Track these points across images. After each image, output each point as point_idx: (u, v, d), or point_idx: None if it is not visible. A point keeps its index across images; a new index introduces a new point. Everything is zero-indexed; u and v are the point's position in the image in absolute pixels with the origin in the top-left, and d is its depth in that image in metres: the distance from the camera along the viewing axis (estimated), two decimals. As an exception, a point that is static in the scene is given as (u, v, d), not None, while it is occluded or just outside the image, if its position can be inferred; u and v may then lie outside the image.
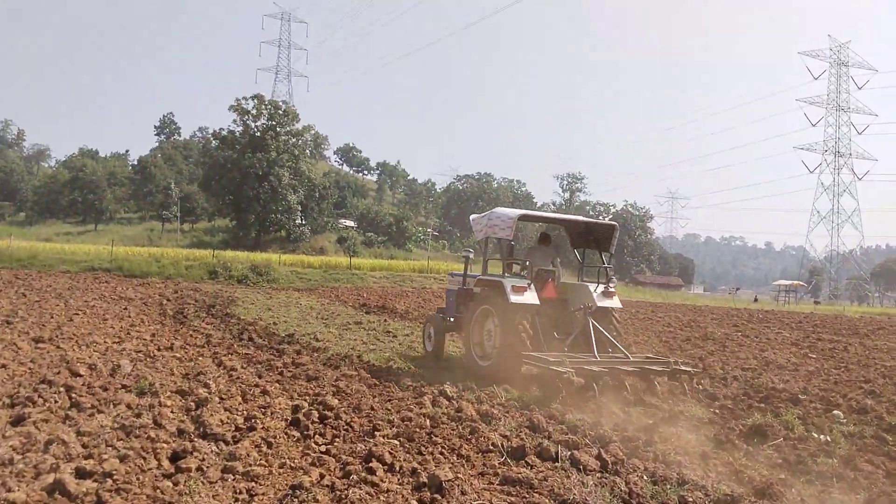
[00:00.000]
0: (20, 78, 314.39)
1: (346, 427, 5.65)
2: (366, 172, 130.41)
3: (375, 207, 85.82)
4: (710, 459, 5.60)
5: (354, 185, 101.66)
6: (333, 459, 4.87)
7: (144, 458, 4.38)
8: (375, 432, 5.55)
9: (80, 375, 6.88)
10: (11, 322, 10.92)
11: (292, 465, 4.76)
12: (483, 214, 10.40)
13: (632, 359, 8.81)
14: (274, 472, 4.60)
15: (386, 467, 4.65)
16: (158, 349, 9.66)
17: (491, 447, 5.45)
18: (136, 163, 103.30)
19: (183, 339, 11.08)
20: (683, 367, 8.63)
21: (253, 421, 5.66)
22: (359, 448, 5.12)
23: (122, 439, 4.85)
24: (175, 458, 4.63)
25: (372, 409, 6.40)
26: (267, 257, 34.36)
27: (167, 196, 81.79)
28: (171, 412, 5.73)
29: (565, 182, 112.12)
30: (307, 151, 76.24)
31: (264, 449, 5.03)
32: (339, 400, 6.65)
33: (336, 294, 25.79)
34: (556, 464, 5.21)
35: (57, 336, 9.83)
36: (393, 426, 5.80)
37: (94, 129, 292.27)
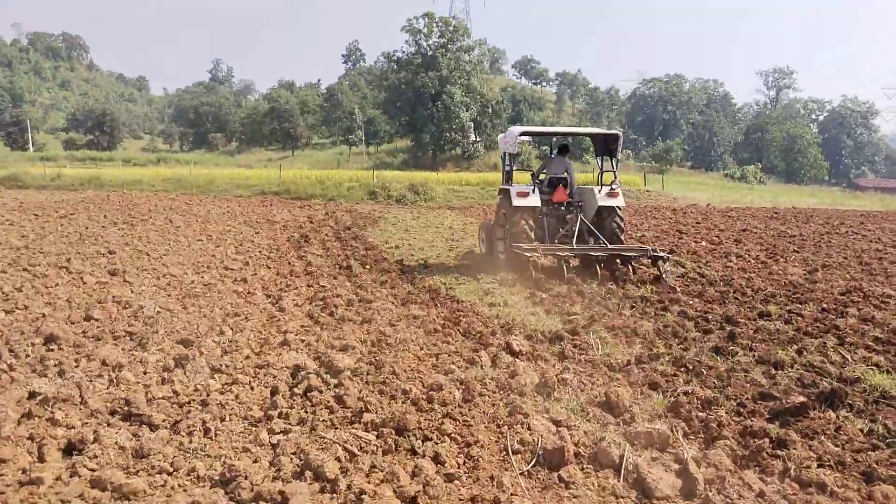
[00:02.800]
0: (226, 19, 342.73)
1: (328, 406, 4.29)
2: (545, 84, 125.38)
3: (551, 119, 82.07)
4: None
5: (532, 98, 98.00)
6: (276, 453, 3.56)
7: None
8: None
9: (94, 319, 6.21)
10: (114, 253, 10.89)
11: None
12: (503, 134, 12.13)
13: (609, 247, 10.32)
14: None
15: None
16: (235, 280, 8.97)
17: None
18: (325, 91, 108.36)
19: (276, 269, 10.37)
20: (656, 254, 10.08)
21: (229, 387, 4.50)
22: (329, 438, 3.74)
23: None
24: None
25: (393, 373, 4.96)
26: (425, 176, 33.74)
27: (352, 121, 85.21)
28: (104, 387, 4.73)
29: (770, 78, 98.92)
30: (481, 67, 74.25)
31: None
32: (355, 359, 5.28)
33: (488, 211, 24.45)
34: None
35: (139, 267, 9.53)
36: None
37: (292, 63, 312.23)
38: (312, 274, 9.85)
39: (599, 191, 11.01)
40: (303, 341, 5.94)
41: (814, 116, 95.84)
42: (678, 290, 9.28)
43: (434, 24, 67.43)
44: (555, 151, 12.88)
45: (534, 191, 10.79)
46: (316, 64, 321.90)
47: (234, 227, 16.51)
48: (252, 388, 4.74)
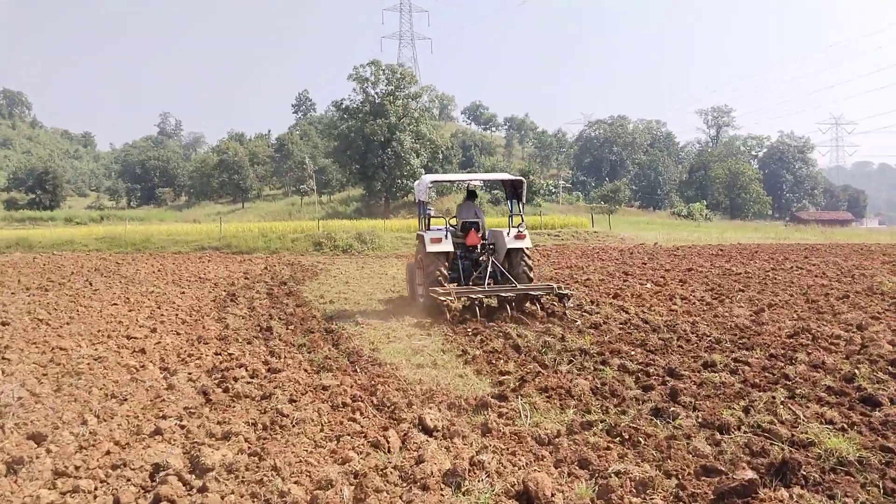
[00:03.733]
0: (174, 72, 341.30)
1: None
2: (494, 129, 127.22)
3: (501, 164, 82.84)
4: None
5: (482, 143, 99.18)
6: None
7: None
8: None
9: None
10: (6, 324, 9.83)
11: None
12: (417, 181, 12.51)
13: (517, 287, 10.89)
14: None
15: None
16: (134, 352, 8.03)
17: None
18: (275, 142, 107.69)
19: (186, 334, 9.44)
20: (561, 291, 10.67)
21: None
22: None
23: None
24: None
25: (275, 468, 4.15)
26: (373, 224, 33.09)
27: (303, 171, 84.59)
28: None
29: (710, 117, 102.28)
30: (429, 113, 74.88)
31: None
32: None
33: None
34: None
35: (28, 341, 8.53)
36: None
37: (242, 113, 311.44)
38: (226, 339, 8.98)
39: (508, 233, 11.62)
40: (182, 427, 5.10)
41: (754, 153, 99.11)
42: (578, 322, 9.97)
43: (381, 72, 67.83)
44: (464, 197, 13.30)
45: (446, 236, 11.27)
46: (267, 114, 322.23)
47: (160, 287, 15.49)
48: (94, 498, 3.88)
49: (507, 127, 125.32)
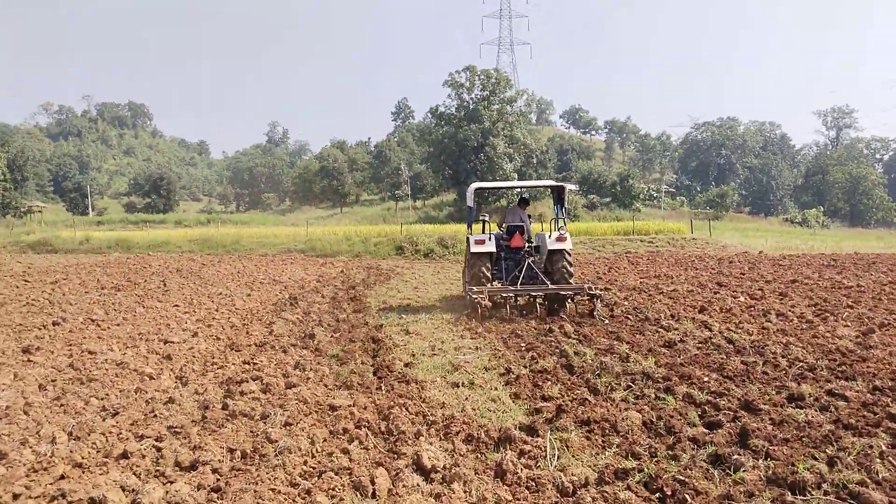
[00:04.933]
0: (284, 83, 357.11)
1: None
2: (594, 133, 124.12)
3: (599, 168, 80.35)
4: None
5: (579, 147, 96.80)
6: None
7: None
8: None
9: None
10: (57, 324, 9.85)
11: None
12: (468, 187, 12.62)
13: (549, 286, 11.32)
14: None
15: None
16: (161, 357, 7.70)
17: None
18: (374, 148, 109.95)
19: (226, 339, 9.09)
20: (592, 292, 10.85)
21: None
22: None
23: None
24: None
25: None
26: (457, 229, 32.47)
27: (399, 176, 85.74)
28: None
29: (829, 118, 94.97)
30: (524, 117, 73.76)
31: None
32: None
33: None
34: None
35: (67, 342, 8.40)
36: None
37: (344, 122, 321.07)
38: (263, 346, 8.53)
39: (550, 236, 12.04)
40: (158, 450, 4.56)
41: (878, 156, 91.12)
42: (605, 322, 10.31)
43: (476, 77, 67.44)
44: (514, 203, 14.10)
45: (490, 238, 11.93)
46: (370, 122, 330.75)
47: (230, 289, 15.49)
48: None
49: (608, 130, 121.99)
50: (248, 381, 6.36)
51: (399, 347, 8.80)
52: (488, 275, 11.80)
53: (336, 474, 4.22)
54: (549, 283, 11.67)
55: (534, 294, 11.18)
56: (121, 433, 4.95)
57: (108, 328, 9.72)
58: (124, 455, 4.44)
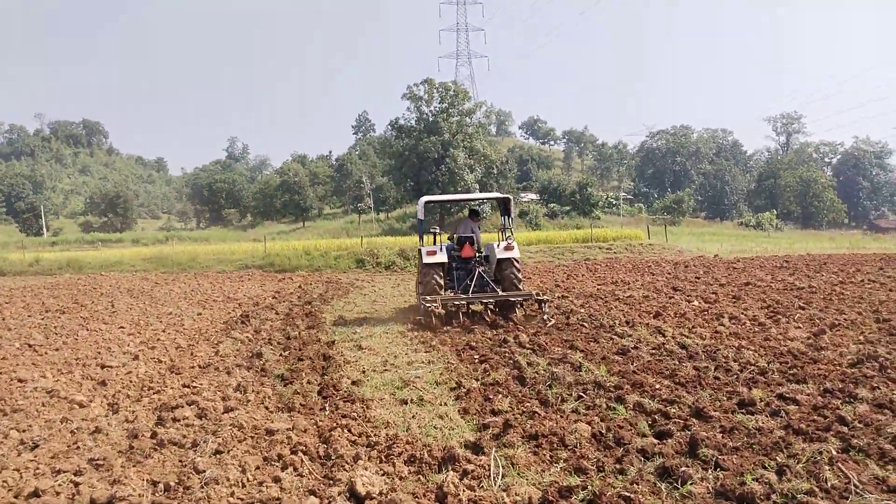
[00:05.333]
0: (242, 98, 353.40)
1: None
2: (552, 143, 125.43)
3: (558, 177, 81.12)
4: None
5: (539, 157, 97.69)
6: None
7: None
8: None
9: None
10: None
11: None
12: (419, 200, 13.65)
13: (500, 293, 11.73)
14: None
15: None
16: (96, 384, 7.30)
17: None
18: (335, 162, 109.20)
19: (168, 362, 8.71)
20: (539, 297, 11.47)
21: None
22: None
23: None
24: None
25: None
26: (417, 241, 32.32)
27: (361, 189, 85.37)
28: None
29: (780, 124, 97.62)
30: (484, 129, 74.08)
31: None
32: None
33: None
34: None
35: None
36: None
37: (305, 136, 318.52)
38: (206, 368, 8.19)
39: (498, 245, 12.52)
40: (76, 486, 4.23)
41: (826, 160, 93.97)
42: (551, 324, 10.87)
43: (434, 90, 67.54)
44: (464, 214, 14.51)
45: (441, 249, 12.32)
46: (330, 136, 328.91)
47: (181, 308, 15.01)
48: None
49: (566, 140, 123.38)
50: (183, 407, 6.04)
51: (350, 364, 8.54)
52: (441, 284, 12.04)
53: (264, 505, 3.96)
54: (499, 290, 12.02)
55: (484, 301, 11.64)
56: (38, 468, 4.61)
57: (45, 353, 9.26)
58: (35, 493, 4.11)
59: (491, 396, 6.65)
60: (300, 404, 6.29)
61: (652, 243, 30.78)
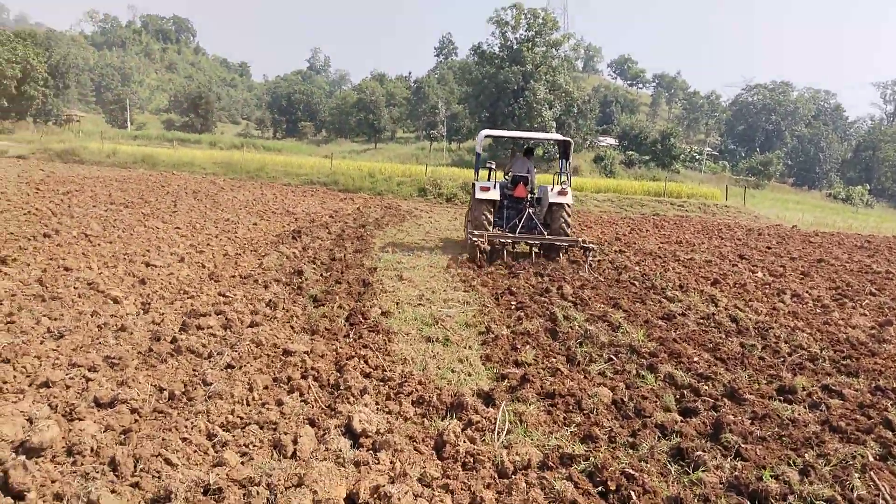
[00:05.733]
0: (329, 8, 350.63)
1: None
2: (641, 86, 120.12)
3: (642, 123, 77.87)
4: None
5: (624, 100, 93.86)
6: None
7: None
8: None
9: None
10: (48, 237, 9.71)
11: None
12: (479, 133, 13.47)
13: (546, 236, 11.86)
14: None
15: None
16: (139, 281, 7.49)
17: None
18: (413, 84, 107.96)
19: (211, 270, 8.86)
20: (585, 245, 11.65)
21: None
22: None
23: None
24: None
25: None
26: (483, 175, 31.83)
27: (435, 115, 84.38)
28: None
29: (889, 92, 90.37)
30: (569, 63, 71.33)
31: None
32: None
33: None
34: None
35: (47, 254, 8.22)
36: None
37: (387, 54, 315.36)
38: (246, 279, 8.28)
39: (552, 188, 12.41)
40: (87, 381, 4.32)
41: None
42: (590, 275, 10.63)
43: (522, 16, 65.03)
44: (520, 153, 14.20)
45: (494, 186, 12.14)
46: (413, 56, 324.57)
47: (239, 216, 15.29)
48: None
49: (656, 84, 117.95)
50: (210, 315, 6.11)
51: (386, 294, 8.48)
52: (490, 220, 12.08)
53: (261, 428, 3.94)
54: (546, 233, 12.08)
55: (530, 242, 11.78)
56: (57, 359, 4.73)
57: (98, 245, 9.57)
58: (46, 384, 4.22)
59: (518, 346, 6.47)
60: (325, 328, 6.26)
61: (728, 205, 29.34)
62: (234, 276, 8.43)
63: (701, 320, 8.16)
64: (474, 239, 11.27)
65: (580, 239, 11.90)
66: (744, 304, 9.30)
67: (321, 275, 9.23)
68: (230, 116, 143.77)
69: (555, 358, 6.14)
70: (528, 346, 6.46)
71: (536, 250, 11.87)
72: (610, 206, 27.55)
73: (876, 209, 55.81)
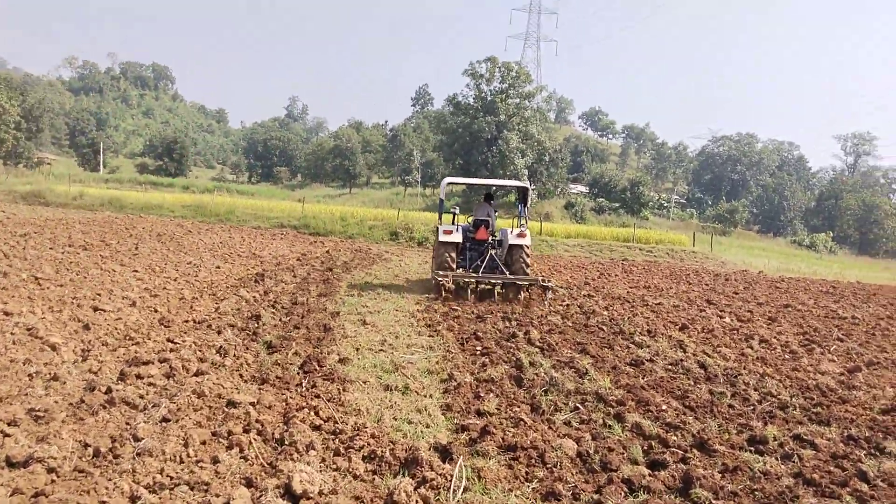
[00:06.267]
0: (307, 58, 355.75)
1: None
2: (611, 136, 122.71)
3: (611, 172, 79.26)
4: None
5: (595, 150, 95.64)
6: None
7: None
8: None
9: None
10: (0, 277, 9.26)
11: None
12: (442, 180, 14.42)
13: (507, 276, 12.47)
14: None
15: None
16: (84, 326, 7.08)
17: None
18: (390, 132, 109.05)
19: (163, 312, 8.48)
20: (544, 283, 12.35)
21: None
22: None
23: None
24: None
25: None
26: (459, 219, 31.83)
27: (410, 162, 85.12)
28: None
29: (849, 144, 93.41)
30: (541, 114, 72.72)
31: None
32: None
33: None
34: None
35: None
36: None
37: (364, 103, 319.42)
38: (199, 324, 7.91)
39: (512, 231, 13.05)
40: (4, 437, 3.93)
41: (894, 186, 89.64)
42: (548, 311, 11.50)
43: (496, 69, 66.48)
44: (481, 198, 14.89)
45: (457, 229, 12.88)
46: (390, 106, 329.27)
47: (203, 259, 14.89)
48: None
49: (625, 135, 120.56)
50: (154, 363, 5.74)
51: (347, 339, 8.16)
52: (453, 261, 12.63)
53: (191, 489, 3.60)
54: (507, 273, 12.66)
55: (492, 282, 12.45)
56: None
57: (48, 288, 9.12)
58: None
59: (482, 394, 6.19)
60: (276, 377, 5.93)
61: (696, 251, 29.62)
62: (186, 321, 8.06)
63: (669, 366, 7.98)
64: (439, 279, 11.90)
65: (539, 278, 12.67)
66: (712, 349, 9.16)
67: (280, 319, 8.89)
68: (206, 161, 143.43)
69: (518, 407, 5.86)
70: (491, 395, 6.18)
71: (499, 289, 12.70)
72: (580, 251, 27.61)
73: (839, 255, 56.92)
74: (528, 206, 13.70)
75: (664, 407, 6.20)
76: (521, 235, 12.84)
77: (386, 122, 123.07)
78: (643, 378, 7.26)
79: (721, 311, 13.16)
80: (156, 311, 8.52)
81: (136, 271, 11.90)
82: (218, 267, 13.94)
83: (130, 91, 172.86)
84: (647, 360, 8.10)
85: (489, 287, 12.83)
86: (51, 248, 13.56)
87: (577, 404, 6.08)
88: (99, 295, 8.97)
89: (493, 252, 13.05)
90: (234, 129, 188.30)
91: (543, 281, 12.42)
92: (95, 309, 8.00)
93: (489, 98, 65.85)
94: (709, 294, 16.11)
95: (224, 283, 11.92)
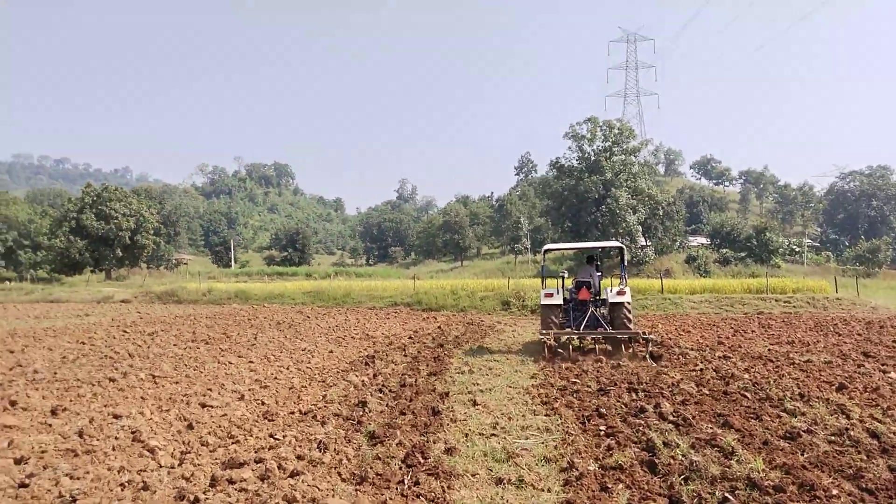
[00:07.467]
0: (415, 142, 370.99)
1: None
2: (727, 184, 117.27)
3: (733, 220, 75.07)
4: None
5: (711, 199, 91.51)
6: None
7: None
8: None
9: None
10: (113, 380, 9.49)
11: None
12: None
13: (608, 331, 13.14)
14: None
15: None
16: (179, 418, 6.96)
17: None
18: (496, 203, 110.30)
19: (268, 406, 8.29)
20: (646, 336, 12.75)
21: None
22: None
23: None
24: None
25: None
26: (567, 284, 30.80)
27: (518, 230, 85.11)
28: None
29: None
30: (649, 168, 70.86)
31: None
32: None
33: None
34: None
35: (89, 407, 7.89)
36: None
37: (470, 177, 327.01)
38: (305, 415, 7.62)
39: (612, 290, 13.73)
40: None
41: None
42: (652, 363, 11.84)
43: (597, 129, 65.85)
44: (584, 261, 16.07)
45: (558, 292, 13.92)
46: (495, 177, 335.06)
47: (317, 344, 14.98)
48: None
49: (743, 181, 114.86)
50: (249, 464, 5.42)
51: (456, 423, 7.58)
52: (557, 322, 13.45)
53: None
54: (608, 328, 13.23)
55: (594, 337, 13.15)
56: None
57: (163, 386, 9.26)
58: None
59: (609, 485, 5.38)
60: (376, 473, 5.42)
61: (840, 297, 26.77)
62: (292, 413, 7.80)
63: (832, 437, 6.76)
64: (542, 337, 12.76)
65: (640, 331, 12.95)
66: (882, 413, 7.77)
67: (387, 405, 8.46)
68: (326, 248, 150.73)
69: (655, 501, 5.00)
70: (620, 485, 5.36)
71: (601, 345, 13.44)
72: (708, 306, 25.66)
73: None
74: (626, 264, 14.27)
75: (835, 491, 5.12)
76: (620, 293, 13.51)
77: (492, 193, 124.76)
78: (802, 454, 6.14)
79: (884, 364, 11.42)
80: (263, 403, 8.36)
81: (251, 362, 12.02)
82: (331, 351, 13.90)
83: (256, 189, 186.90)
84: (803, 432, 6.91)
85: (592, 346, 13.43)
86: (174, 345, 14.08)
87: (727, 494, 5.12)
88: (210, 390, 8.97)
89: (594, 310, 13.55)
90: (350, 215, 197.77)
91: (644, 334, 12.74)
92: (203, 406, 7.93)
93: (593, 158, 65.03)
94: (864, 345, 14.18)
95: (335, 367, 11.75)
